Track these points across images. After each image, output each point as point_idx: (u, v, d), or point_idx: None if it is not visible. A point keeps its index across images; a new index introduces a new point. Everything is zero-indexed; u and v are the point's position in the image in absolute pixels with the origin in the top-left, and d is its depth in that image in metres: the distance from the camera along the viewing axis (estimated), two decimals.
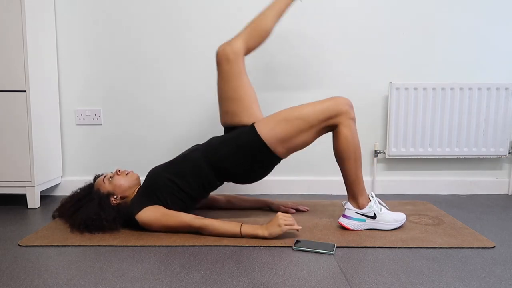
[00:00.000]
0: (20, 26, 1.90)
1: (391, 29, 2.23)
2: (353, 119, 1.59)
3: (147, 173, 1.71)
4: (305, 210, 1.91)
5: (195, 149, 1.70)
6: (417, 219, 1.79)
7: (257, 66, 2.25)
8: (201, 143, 2.28)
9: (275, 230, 1.50)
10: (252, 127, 1.60)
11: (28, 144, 1.97)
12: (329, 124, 1.58)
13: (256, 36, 1.72)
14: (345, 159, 1.59)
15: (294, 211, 1.88)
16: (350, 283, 1.19)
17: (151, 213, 1.58)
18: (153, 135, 2.31)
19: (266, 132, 1.57)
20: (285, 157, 1.64)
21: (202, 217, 1.58)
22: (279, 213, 1.52)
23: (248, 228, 1.53)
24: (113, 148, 2.32)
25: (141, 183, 1.75)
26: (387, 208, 1.67)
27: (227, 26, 2.22)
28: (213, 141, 1.68)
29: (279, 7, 1.75)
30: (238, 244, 1.49)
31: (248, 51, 1.73)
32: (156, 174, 1.66)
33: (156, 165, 1.74)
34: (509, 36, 2.23)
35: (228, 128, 1.75)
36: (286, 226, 1.49)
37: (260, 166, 1.63)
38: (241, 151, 1.59)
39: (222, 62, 1.68)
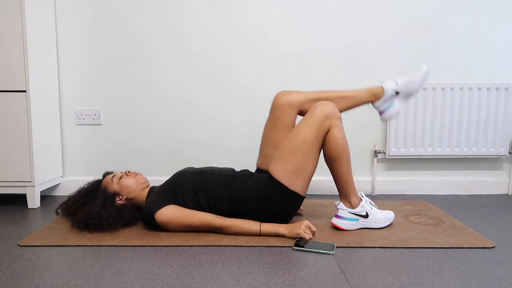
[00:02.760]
0: (20, 26, 1.90)
1: (391, 29, 2.23)
2: (340, 119, 1.60)
3: (176, 172, 1.72)
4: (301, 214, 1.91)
5: (227, 176, 1.66)
6: (417, 219, 1.79)
7: (255, 66, 2.25)
8: (202, 146, 2.29)
9: (294, 231, 1.55)
10: (268, 175, 1.61)
11: (28, 144, 1.97)
12: (325, 132, 1.58)
13: (313, 104, 1.71)
14: (337, 160, 1.59)
15: (302, 212, 1.89)
16: (350, 283, 1.19)
17: (171, 212, 1.58)
18: (153, 135, 2.31)
19: (280, 172, 1.57)
20: (305, 192, 1.62)
21: (222, 217, 1.59)
22: (306, 221, 1.58)
23: (268, 227, 1.57)
24: (113, 148, 2.32)
25: (148, 183, 1.77)
26: (376, 207, 1.69)
27: (229, 32, 2.23)
28: (241, 181, 1.65)
29: (353, 99, 1.73)
30: (238, 244, 1.49)
31: (301, 113, 1.72)
32: (186, 179, 1.65)
33: (187, 167, 1.74)
34: (509, 36, 2.24)
35: (260, 170, 1.76)
36: (303, 233, 1.53)
37: (284, 210, 1.62)
38: (263, 200, 1.59)
39: (276, 107, 1.71)
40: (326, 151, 1.61)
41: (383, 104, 1.72)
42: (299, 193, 1.59)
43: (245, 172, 1.71)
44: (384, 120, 1.77)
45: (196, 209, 1.63)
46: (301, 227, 1.55)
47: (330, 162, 1.61)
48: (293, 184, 1.57)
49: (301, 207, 1.96)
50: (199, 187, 1.63)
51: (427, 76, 1.69)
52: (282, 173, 1.57)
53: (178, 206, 1.61)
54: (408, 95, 1.71)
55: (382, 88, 1.71)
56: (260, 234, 1.57)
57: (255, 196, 1.60)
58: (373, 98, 1.73)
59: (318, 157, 1.60)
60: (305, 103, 1.71)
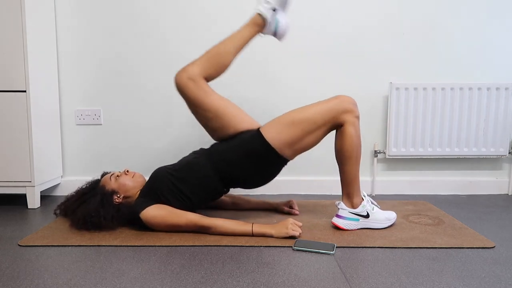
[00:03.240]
0: (20, 26, 1.90)
1: (391, 29, 2.23)
2: (358, 117, 1.59)
3: (151, 174, 1.72)
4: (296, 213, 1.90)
5: (200, 155, 1.68)
6: (417, 219, 1.79)
7: (257, 65, 2.25)
8: (201, 146, 2.29)
9: (282, 231, 1.55)
10: (258, 132, 1.60)
11: (28, 144, 1.97)
12: (335, 123, 1.58)
13: (215, 66, 1.65)
14: (347, 158, 1.59)
15: (297, 212, 1.88)
16: (350, 283, 1.19)
17: (156, 212, 1.58)
18: (153, 135, 2.31)
19: (272, 136, 1.57)
20: (292, 158, 1.64)
21: (209, 217, 1.59)
22: (291, 219, 1.59)
23: (258, 227, 1.57)
24: (113, 148, 2.32)
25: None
26: (378, 207, 1.68)
27: (228, 26, 2.22)
28: (217, 148, 1.67)
29: (242, 39, 1.69)
30: (238, 244, 1.49)
31: (207, 79, 1.66)
32: (160, 177, 1.65)
33: (159, 166, 1.74)
34: (509, 36, 2.24)
35: (226, 139, 1.70)
36: (292, 231, 1.55)
37: (269, 170, 1.63)
38: (249, 157, 1.59)
39: (183, 89, 1.63)
40: (338, 148, 1.61)
41: (270, 26, 1.71)
42: (287, 158, 1.60)
43: (217, 144, 1.69)
44: (281, 38, 1.75)
45: (183, 202, 1.63)
46: (288, 226, 1.56)
47: (340, 158, 1.62)
48: (282, 150, 1.58)
49: (299, 208, 1.96)
50: (178, 178, 1.63)
51: None
52: (275, 137, 1.56)
53: (162, 205, 1.60)
54: (284, 3, 1.69)
55: (259, 14, 1.69)
56: (252, 234, 1.56)
57: (240, 153, 1.59)
58: (258, 28, 1.71)
59: (317, 141, 1.60)
60: (204, 69, 1.64)
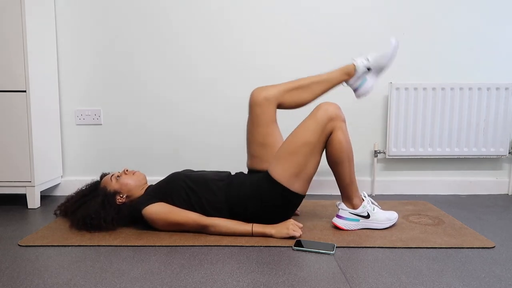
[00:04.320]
0: (20, 26, 1.90)
1: (391, 29, 2.23)
2: (344, 121, 1.58)
3: (168, 175, 1.71)
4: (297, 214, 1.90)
5: (221, 180, 1.65)
6: (417, 219, 1.79)
7: (256, 67, 2.25)
8: (201, 146, 2.29)
9: (282, 231, 1.56)
10: (267, 175, 1.59)
11: (28, 144, 1.97)
12: (327, 133, 1.55)
13: (293, 99, 1.71)
14: (339, 163, 1.58)
15: (298, 213, 1.88)
16: (350, 283, 1.19)
17: (158, 209, 1.58)
18: (153, 135, 2.31)
19: (279, 173, 1.55)
20: (305, 191, 1.60)
21: (209, 216, 1.59)
22: (291, 220, 1.60)
23: (258, 227, 1.57)
24: (113, 148, 2.32)
25: (148, 183, 1.76)
26: (379, 208, 1.68)
27: (231, 33, 2.23)
28: (238, 182, 1.64)
29: (328, 83, 1.72)
30: (238, 244, 1.49)
31: (280, 105, 1.71)
32: (177, 181, 1.65)
33: (179, 171, 1.74)
34: (509, 36, 2.24)
35: (252, 171, 1.74)
36: (293, 232, 1.55)
37: (284, 210, 1.61)
38: (262, 201, 1.58)
39: (254, 105, 1.68)
40: (329, 155, 1.59)
41: (356, 81, 1.73)
42: (299, 193, 1.59)
43: (240, 175, 1.70)
44: (359, 97, 1.78)
45: (187, 209, 1.62)
46: (288, 226, 1.56)
47: (333, 165, 1.61)
48: (293, 184, 1.56)
49: (299, 208, 1.96)
50: (192, 189, 1.62)
51: (397, 50, 1.70)
52: (282, 173, 1.55)
53: (165, 204, 1.61)
54: (380, 70, 1.72)
55: (354, 65, 1.72)
56: (252, 234, 1.56)
57: (253, 196, 1.59)
58: (346, 76, 1.73)
59: (320, 158, 1.59)
60: (282, 95, 1.70)
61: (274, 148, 1.68)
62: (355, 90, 1.77)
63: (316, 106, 1.60)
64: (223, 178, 1.67)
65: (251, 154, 1.74)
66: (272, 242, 1.51)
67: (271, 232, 1.56)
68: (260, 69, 2.26)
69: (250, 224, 1.58)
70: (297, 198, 1.59)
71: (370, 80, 1.73)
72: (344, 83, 1.76)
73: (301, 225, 1.59)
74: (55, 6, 2.23)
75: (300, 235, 1.55)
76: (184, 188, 1.63)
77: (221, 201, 1.61)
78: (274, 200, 1.57)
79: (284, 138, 1.67)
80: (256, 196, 1.58)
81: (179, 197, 1.62)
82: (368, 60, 1.70)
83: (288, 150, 1.56)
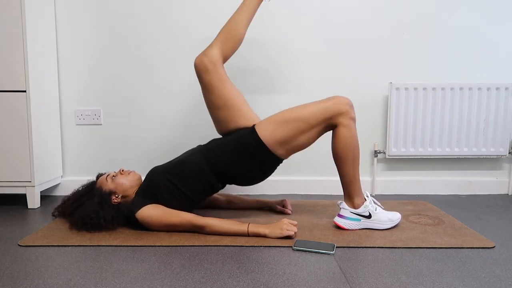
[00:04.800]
0: (20, 26, 1.90)
1: (391, 29, 2.23)
2: (353, 119, 1.58)
3: (146, 173, 1.72)
4: (289, 213, 1.89)
5: (196, 151, 1.69)
6: (417, 219, 1.79)
7: (255, 68, 2.25)
8: (201, 143, 2.29)
9: (276, 231, 1.55)
10: (252, 129, 1.60)
11: (28, 144, 1.97)
12: (329, 124, 1.58)
13: (230, 43, 1.70)
14: (343, 159, 1.59)
15: (290, 212, 1.89)
16: (350, 283, 1.19)
17: (152, 211, 1.58)
18: (153, 135, 2.31)
19: (266, 134, 1.57)
20: (286, 158, 1.64)
21: (204, 217, 1.59)
22: (285, 219, 1.59)
23: (254, 227, 1.57)
24: (113, 148, 2.32)
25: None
26: (382, 208, 1.68)
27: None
28: (213, 144, 1.68)
29: (248, 10, 1.71)
30: (238, 244, 1.49)
31: (225, 58, 1.71)
32: (156, 175, 1.66)
33: (156, 165, 1.74)
34: (509, 36, 2.24)
35: (226, 134, 1.74)
36: (287, 231, 1.54)
37: (262, 168, 1.63)
38: (242, 154, 1.59)
39: (202, 73, 1.66)
40: (333, 148, 1.61)
41: None
42: (280, 156, 1.60)
43: (214, 140, 1.72)
44: None
45: (179, 200, 1.63)
46: (283, 226, 1.55)
47: (336, 160, 1.62)
48: (275, 149, 1.58)
49: (300, 208, 1.96)
50: (171, 173, 1.64)
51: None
52: (268, 135, 1.56)
53: (158, 205, 1.61)
54: None
55: None
56: (247, 234, 1.56)
57: (234, 149, 1.60)
58: None
59: (312, 140, 1.60)
60: (222, 49, 1.68)
61: (235, 105, 1.67)
62: None
63: (331, 97, 1.60)
64: (196, 149, 1.70)
65: (216, 120, 1.73)
66: (272, 242, 1.51)
67: (265, 232, 1.56)
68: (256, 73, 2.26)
69: (245, 224, 1.58)
70: (277, 160, 1.61)
71: None
72: None
73: (295, 222, 1.59)
74: (55, 6, 2.23)
75: (295, 233, 1.55)
76: (166, 176, 1.64)
77: (202, 168, 1.62)
78: (253, 155, 1.58)
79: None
80: (237, 147, 1.60)
81: (165, 187, 1.63)
82: None
83: (284, 118, 1.57)
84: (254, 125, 1.62)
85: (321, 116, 1.55)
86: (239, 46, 1.73)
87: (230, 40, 1.69)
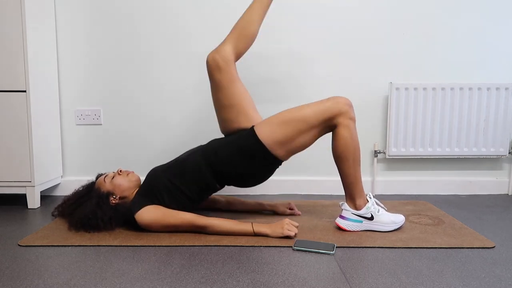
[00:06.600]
0: (20, 26, 1.90)
1: (391, 29, 2.23)
2: (353, 119, 1.58)
3: (147, 174, 1.72)
4: (298, 213, 1.89)
5: (195, 151, 1.69)
6: (417, 219, 1.79)
7: (255, 67, 2.25)
8: (201, 144, 2.29)
9: (277, 231, 1.56)
10: (252, 130, 1.60)
11: (28, 144, 1.97)
12: (329, 125, 1.57)
13: (244, 40, 1.68)
14: (343, 159, 1.59)
15: (299, 213, 1.88)
16: (350, 283, 1.19)
17: (151, 213, 1.58)
18: (153, 135, 2.31)
19: (266, 135, 1.56)
20: (285, 159, 1.63)
21: (205, 217, 1.59)
22: (287, 219, 1.59)
23: (257, 227, 1.58)
24: (113, 148, 2.32)
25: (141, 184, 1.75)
26: (385, 209, 1.66)
27: (224, 26, 2.22)
28: (213, 144, 1.68)
29: (261, 7, 1.70)
30: (238, 244, 1.49)
31: (238, 56, 1.69)
32: (155, 175, 1.66)
33: (156, 166, 1.74)
34: (509, 36, 2.24)
35: (229, 135, 1.73)
36: (287, 231, 1.55)
37: (261, 170, 1.63)
38: (241, 155, 1.59)
39: (214, 71, 1.65)
40: (333, 149, 1.61)
41: None
42: (279, 157, 1.59)
43: (214, 140, 1.71)
44: None
45: (179, 200, 1.63)
46: (284, 226, 1.56)
47: (336, 161, 1.61)
48: (275, 150, 1.57)
49: (300, 208, 1.96)
50: (170, 173, 1.64)
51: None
52: (268, 136, 1.56)
53: (158, 206, 1.61)
54: None
55: None
56: (253, 233, 1.56)
57: (233, 149, 1.59)
58: None
59: (311, 141, 1.60)
60: (236, 46, 1.67)
61: (241, 106, 1.67)
62: None
63: (330, 97, 1.60)
64: (196, 149, 1.70)
65: (221, 119, 1.72)
66: (272, 242, 1.51)
67: (266, 232, 1.56)
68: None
69: (249, 224, 1.58)
70: (275, 161, 1.60)
71: None
72: None
73: (296, 224, 1.59)
74: (55, 6, 2.23)
75: (296, 234, 1.55)
76: (166, 176, 1.64)
77: (201, 168, 1.62)
78: (253, 156, 1.58)
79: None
80: (236, 148, 1.59)
81: (165, 187, 1.62)
82: None
83: (283, 118, 1.57)
84: (253, 126, 1.62)
85: (320, 117, 1.55)
86: (252, 43, 1.72)
87: (243, 38, 1.68)
